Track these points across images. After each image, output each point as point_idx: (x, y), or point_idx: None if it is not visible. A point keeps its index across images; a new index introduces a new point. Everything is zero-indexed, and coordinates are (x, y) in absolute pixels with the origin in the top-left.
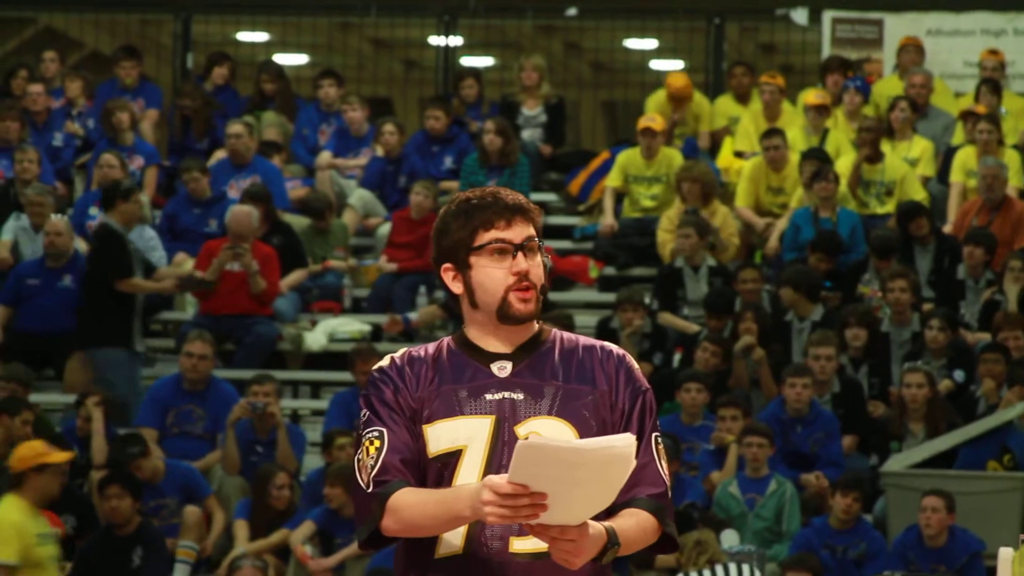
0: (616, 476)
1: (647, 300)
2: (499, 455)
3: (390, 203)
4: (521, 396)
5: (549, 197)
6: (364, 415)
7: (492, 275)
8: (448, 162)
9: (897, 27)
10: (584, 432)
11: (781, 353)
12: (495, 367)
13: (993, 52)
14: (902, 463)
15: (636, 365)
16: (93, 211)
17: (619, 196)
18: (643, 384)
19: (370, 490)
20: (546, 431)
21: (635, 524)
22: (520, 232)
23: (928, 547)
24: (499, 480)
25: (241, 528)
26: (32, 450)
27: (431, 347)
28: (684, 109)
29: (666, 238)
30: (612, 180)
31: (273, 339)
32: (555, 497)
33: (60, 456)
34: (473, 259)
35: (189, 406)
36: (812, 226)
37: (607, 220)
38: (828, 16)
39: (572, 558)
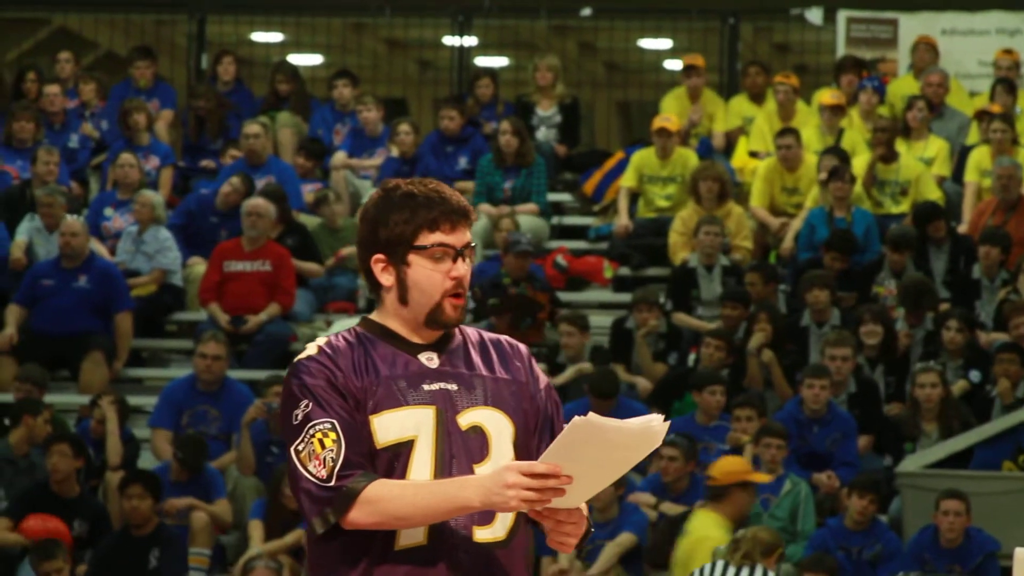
0: (635, 458)
1: (662, 300)
2: (447, 445)
3: None
4: (455, 387)
5: (564, 197)
6: (305, 405)
7: (431, 278)
8: (463, 162)
9: (912, 27)
10: (517, 421)
11: (796, 354)
12: (423, 358)
13: (1008, 52)
14: (917, 463)
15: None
16: (108, 212)
17: (634, 196)
18: (546, 379)
19: (332, 483)
20: (487, 421)
21: (583, 514)
22: (462, 237)
23: (943, 547)
24: (526, 463)
25: (256, 528)
26: (738, 466)
27: (348, 336)
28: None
29: (678, 240)
30: (627, 180)
31: (286, 339)
32: (583, 476)
33: (762, 477)
34: (412, 257)
35: (204, 407)
36: (827, 226)
37: (622, 220)
38: (843, 16)
39: (571, 540)
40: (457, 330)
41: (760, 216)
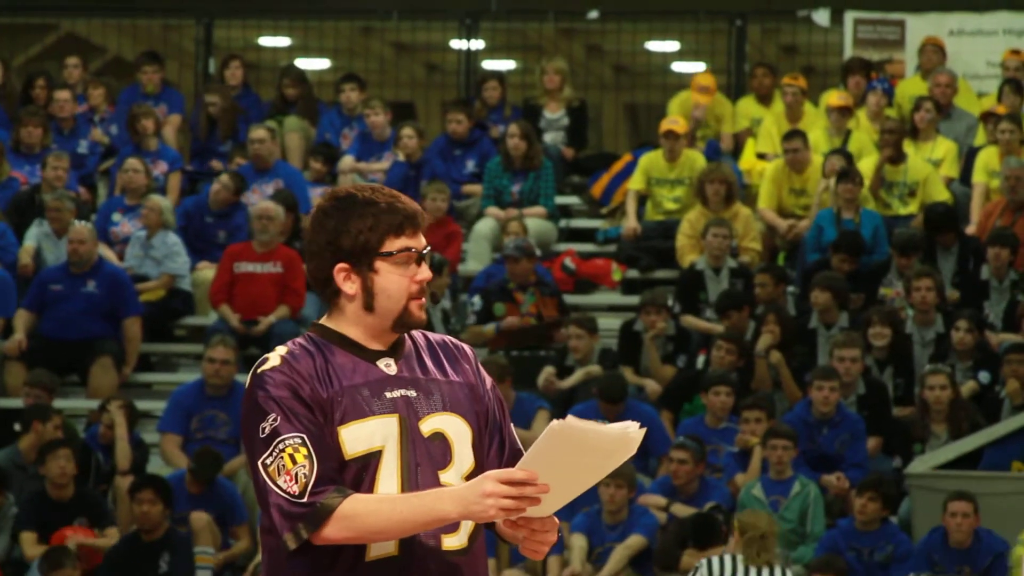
0: (610, 465)
1: (670, 303)
2: (412, 453)
3: None
4: (414, 393)
5: (572, 200)
6: (273, 419)
7: (399, 283)
8: (470, 166)
9: (919, 28)
10: (473, 425)
11: (805, 356)
12: (382, 364)
13: (1016, 52)
14: (927, 464)
15: None
16: (116, 217)
17: (642, 199)
18: (490, 378)
19: (305, 499)
20: (448, 427)
21: (556, 521)
22: (421, 240)
23: (953, 548)
24: (504, 471)
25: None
26: None
27: (306, 344)
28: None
29: (686, 243)
30: (635, 183)
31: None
32: (558, 484)
33: None
34: (379, 264)
35: (212, 411)
36: (835, 227)
37: (630, 223)
38: (850, 17)
39: (544, 548)
40: (406, 334)
41: (768, 218)
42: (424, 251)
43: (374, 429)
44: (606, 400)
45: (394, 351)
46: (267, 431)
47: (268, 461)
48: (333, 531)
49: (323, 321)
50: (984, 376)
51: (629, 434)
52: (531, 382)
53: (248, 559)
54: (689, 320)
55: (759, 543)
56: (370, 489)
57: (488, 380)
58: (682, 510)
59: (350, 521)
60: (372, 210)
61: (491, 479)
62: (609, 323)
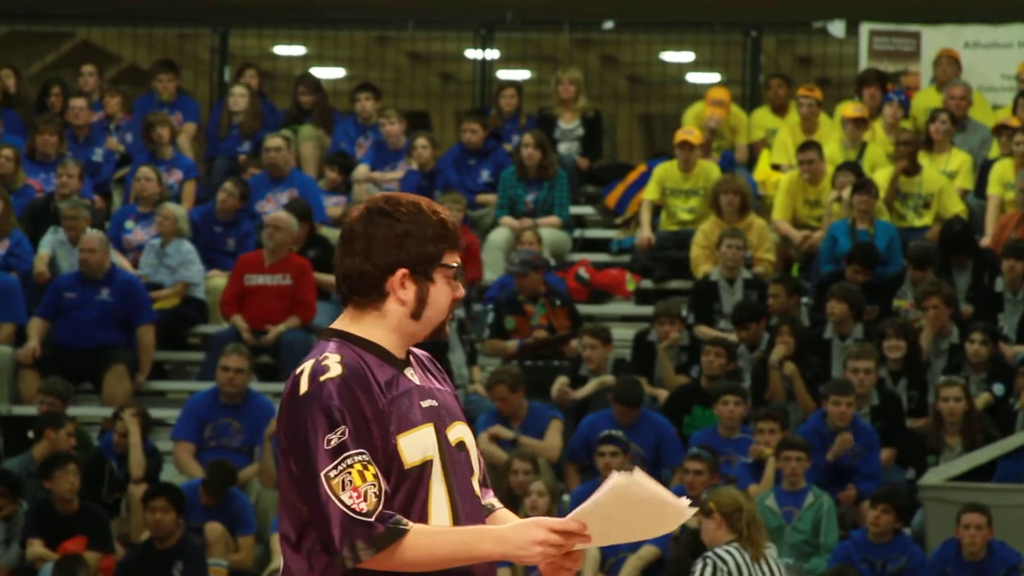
0: (659, 529)
1: (684, 313)
2: (452, 464)
3: None
4: (436, 402)
5: (586, 210)
6: (342, 432)
7: (446, 296)
8: (485, 175)
9: (934, 39)
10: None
11: (819, 367)
12: (408, 373)
13: None
14: (940, 476)
15: None
16: (129, 225)
17: (656, 209)
18: None
19: (374, 519)
20: (465, 436)
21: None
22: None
23: (966, 561)
24: (555, 520)
25: (278, 542)
26: None
27: (345, 353)
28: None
29: (700, 253)
30: (649, 193)
31: (308, 349)
32: (601, 534)
33: None
34: (437, 276)
35: (226, 419)
36: (849, 238)
37: (644, 233)
38: (865, 28)
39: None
40: None
41: (783, 229)
42: (460, 269)
43: (424, 437)
44: (623, 404)
45: (409, 361)
46: (334, 443)
47: (332, 474)
48: (384, 557)
49: (347, 328)
50: (998, 388)
51: (682, 508)
52: (544, 392)
53: (245, 572)
54: (703, 331)
55: (751, 527)
56: (426, 499)
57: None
58: (695, 521)
59: (404, 553)
60: (439, 222)
61: (543, 528)
62: (623, 333)
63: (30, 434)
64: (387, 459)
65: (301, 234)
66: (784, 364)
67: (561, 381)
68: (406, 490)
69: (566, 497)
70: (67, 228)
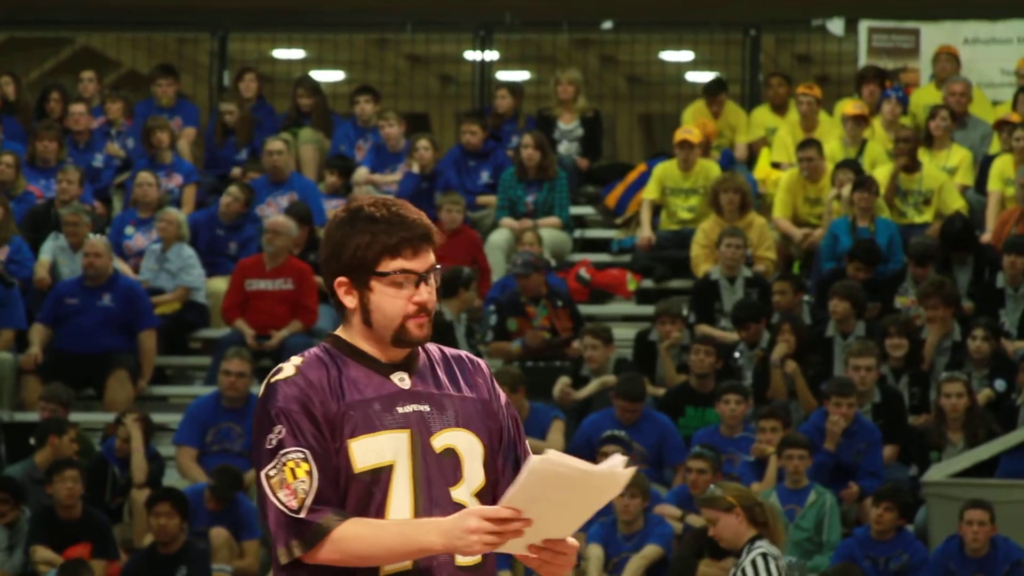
0: (603, 499)
1: (685, 312)
2: (425, 470)
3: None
4: (427, 408)
5: (586, 210)
6: (279, 431)
7: (393, 304)
8: (485, 176)
9: (934, 36)
10: (486, 442)
11: (820, 365)
12: (395, 378)
13: None
14: (943, 473)
15: None
16: (129, 230)
17: (656, 208)
18: (504, 394)
19: (303, 516)
20: (459, 443)
21: (575, 544)
22: (425, 261)
23: (969, 557)
24: (488, 508)
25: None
26: None
27: (321, 355)
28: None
29: (701, 252)
30: (649, 193)
31: None
32: (545, 518)
33: None
34: (374, 283)
35: (228, 424)
36: (850, 236)
37: (644, 233)
38: (864, 26)
39: (562, 571)
40: (420, 347)
41: (783, 227)
42: (428, 272)
43: (384, 443)
44: (625, 399)
45: (408, 365)
46: (273, 443)
47: (272, 473)
48: (324, 552)
49: (339, 332)
50: (1000, 384)
51: (617, 472)
52: (546, 392)
53: (264, 570)
54: (704, 330)
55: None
56: (383, 503)
57: (503, 397)
58: (698, 520)
59: (340, 544)
60: (372, 227)
61: (475, 516)
62: (624, 333)
63: (32, 440)
64: (339, 462)
65: (301, 238)
66: (786, 362)
67: (563, 381)
68: (357, 494)
69: None
70: (68, 234)
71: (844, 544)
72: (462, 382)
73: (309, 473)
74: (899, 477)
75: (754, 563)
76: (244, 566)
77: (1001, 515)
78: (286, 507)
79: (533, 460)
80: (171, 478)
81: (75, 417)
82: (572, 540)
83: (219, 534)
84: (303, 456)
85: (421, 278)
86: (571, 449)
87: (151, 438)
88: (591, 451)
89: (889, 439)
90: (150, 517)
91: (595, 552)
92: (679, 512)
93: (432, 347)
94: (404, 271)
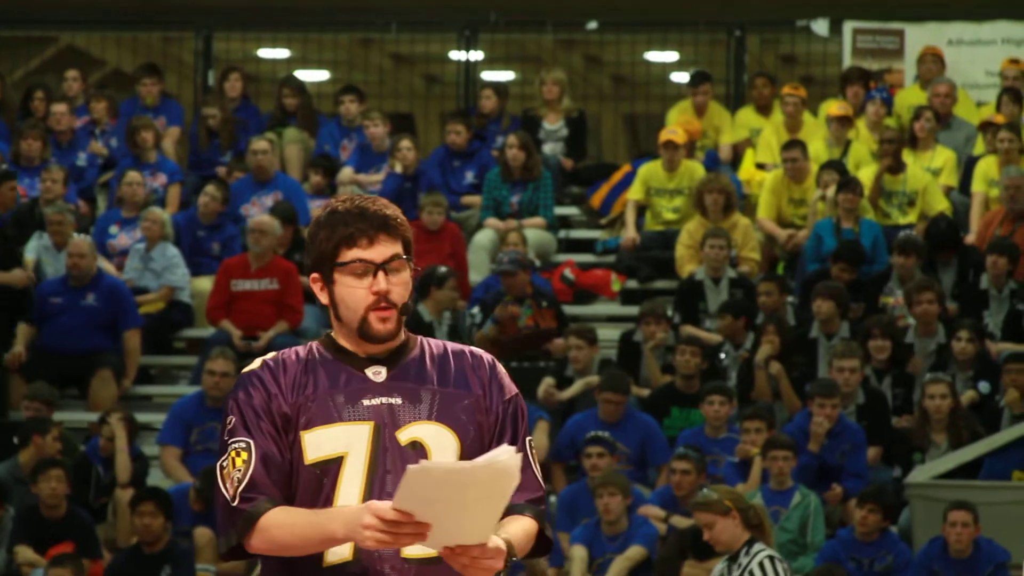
0: (504, 490)
1: (669, 313)
2: (381, 462)
3: (409, 219)
4: (399, 401)
5: (571, 211)
6: (230, 421)
7: (353, 294)
8: (470, 177)
9: (918, 37)
10: (463, 436)
11: (805, 366)
12: (370, 372)
13: (1015, 61)
14: (927, 474)
15: (504, 370)
16: (113, 230)
17: (641, 209)
18: (513, 389)
19: (235, 504)
20: (428, 436)
21: (521, 530)
22: (383, 251)
23: (953, 558)
24: (383, 505)
25: None
26: None
27: (301, 351)
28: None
29: (685, 253)
30: (634, 193)
31: None
32: (447, 519)
33: None
34: (336, 275)
35: (212, 424)
36: (834, 237)
37: (629, 233)
38: (849, 27)
39: (488, 574)
40: (421, 341)
41: (767, 228)
42: (384, 263)
43: (338, 435)
44: (613, 391)
45: (390, 359)
46: (225, 434)
47: (223, 464)
48: (256, 541)
49: (330, 330)
50: (984, 386)
51: (500, 461)
52: (531, 393)
53: (251, 569)
54: (688, 330)
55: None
56: (331, 495)
57: (508, 392)
58: (682, 521)
59: (266, 533)
60: (331, 220)
61: (370, 513)
62: (608, 334)
63: (15, 440)
64: (293, 454)
65: (286, 237)
66: (770, 363)
67: (547, 382)
68: (306, 485)
69: (553, 498)
70: (52, 233)
71: (828, 545)
72: (452, 377)
73: (246, 462)
74: (883, 478)
75: (762, 565)
76: (228, 567)
77: (985, 516)
78: (226, 496)
79: (409, 469)
80: (155, 478)
81: (59, 416)
82: (497, 541)
83: (203, 534)
84: (244, 445)
85: (379, 268)
86: (555, 449)
87: (135, 438)
88: (575, 451)
89: (873, 440)
90: (134, 517)
91: (579, 553)
92: (663, 513)
93: (435, 342)
94: (360, 260)
